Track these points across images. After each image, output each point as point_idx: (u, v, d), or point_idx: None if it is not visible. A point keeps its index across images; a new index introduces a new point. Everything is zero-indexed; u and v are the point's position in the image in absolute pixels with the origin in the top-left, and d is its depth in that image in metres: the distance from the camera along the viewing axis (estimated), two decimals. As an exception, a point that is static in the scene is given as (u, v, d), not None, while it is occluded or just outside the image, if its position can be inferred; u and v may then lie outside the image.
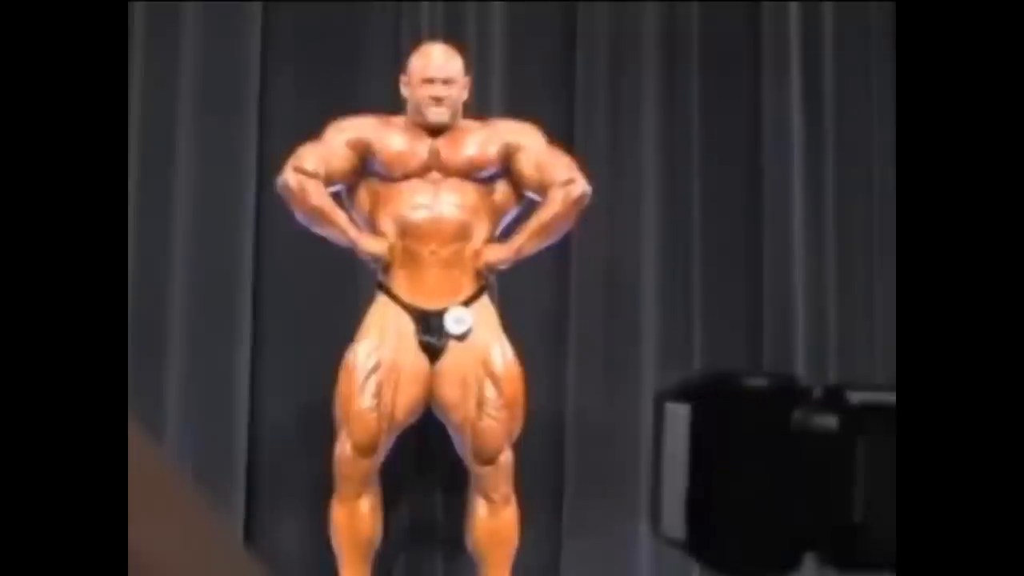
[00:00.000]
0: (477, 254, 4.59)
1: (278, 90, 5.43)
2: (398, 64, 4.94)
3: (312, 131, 5.35)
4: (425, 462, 5.19)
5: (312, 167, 4.60)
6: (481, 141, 4.66)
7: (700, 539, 0.80)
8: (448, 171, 4.61)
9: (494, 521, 4.60)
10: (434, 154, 4.62)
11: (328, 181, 4.63)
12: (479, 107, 5.35)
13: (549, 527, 5.26)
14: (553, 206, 4.61)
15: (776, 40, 5.66)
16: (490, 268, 4.62)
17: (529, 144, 4.66)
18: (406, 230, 4.58)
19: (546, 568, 5.27)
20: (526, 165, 4.63)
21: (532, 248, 4.65)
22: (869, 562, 0.80)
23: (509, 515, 4.61)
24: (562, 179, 4.62)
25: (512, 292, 5.08)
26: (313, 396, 5.17)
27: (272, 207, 5.33)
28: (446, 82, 4.62)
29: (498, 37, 5.51)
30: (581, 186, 4.64)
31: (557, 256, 5.28)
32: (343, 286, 5.12)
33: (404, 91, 4.70)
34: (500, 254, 4.62)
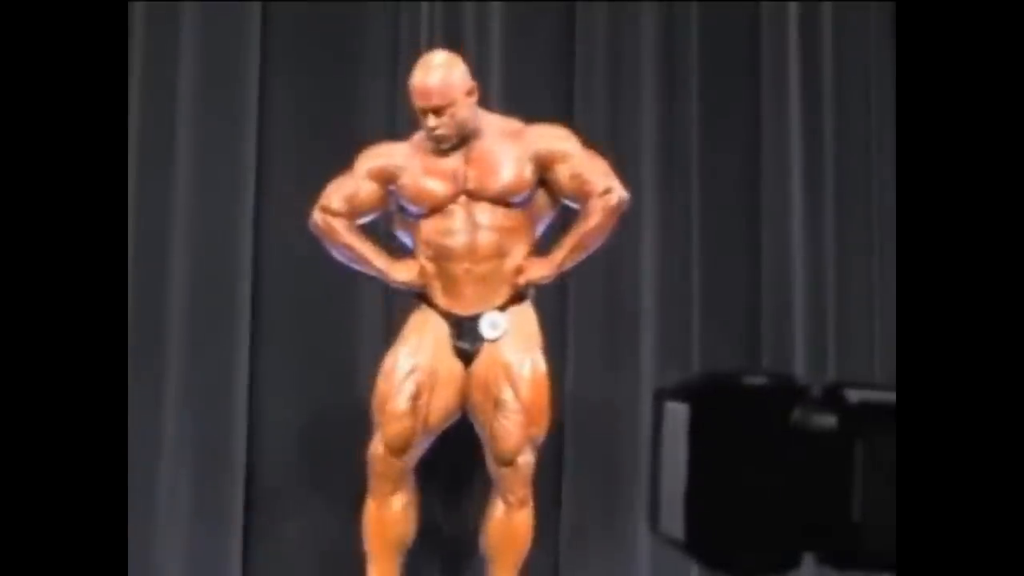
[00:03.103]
0: (519, 270, 4.53)
1: (277, 90, 5.43)
2: (397, 64, 4.94)
3: (310, 131, 5.36)
4: (425, 462, 5.20)
5: (337, 205, 4.59)
6: (515, 161, 4.53)
7: (699, 538, 0.81)
8: (480, 197, 4.54)
9: (507, 523, 4.60)
10: (462, 180, 4.52)
11: (357, 214, 4.61)
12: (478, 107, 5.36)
13: (549, 527, 5.26)
14: (593, 218, 4.53)
15: (775, 40, 5.66)
16: (533, 284, 4.57)
17: (565, 152, 4.56)
18: (440, 253, 4.55)
19: (546, 568, 5.27)
20: (563, 176, 4.54)
21: (573, 261, 4.59)
22: (868, 561, 0.80)
23: (523, 518, 4.61)
24: (600, 189, 4.54)
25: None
26: (313, 396, 5.17)
27: (271, 207, 5.34)
28: (438, 112, 4.46)
29: (497, 37, 5.51)
30: (619, 193, 4.57)
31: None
32: (342, 286, 5.12)
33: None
34: (542, 271, 4.55)
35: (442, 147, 4.50)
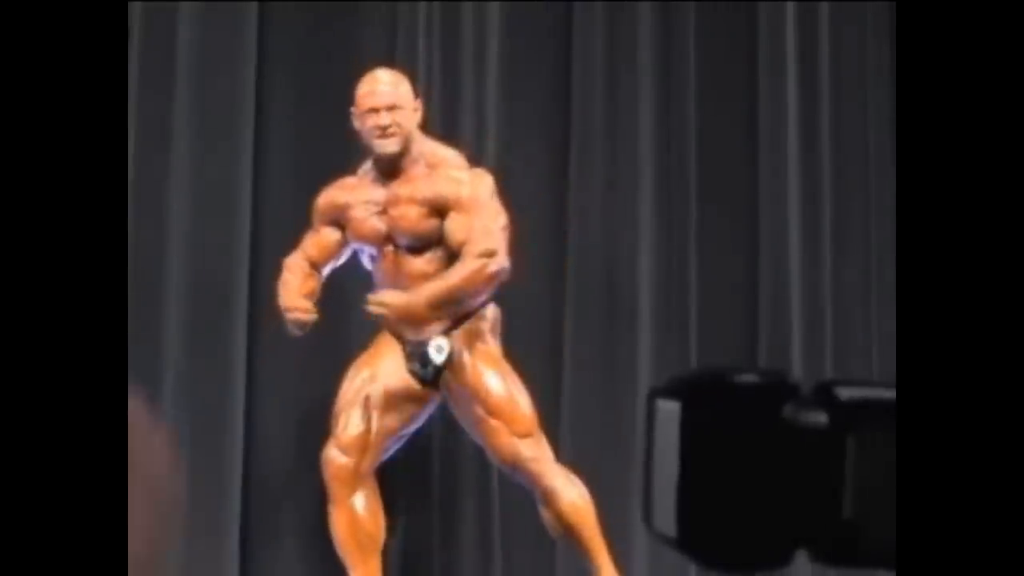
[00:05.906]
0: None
1: (274, 90, 5.43)
2: (395, 66, 4.93)
3: (308, 132, 5.35)
4: (423, 462, 5.20)
5: (298, 259, 4.69)
6: (418, 206, 4.49)
7: (691, 535, 0.81)
8: (396, 243, 4.55)
9: (555, 513, 4.57)
10: (384, 221, 4.56)
11: (323, 264, 4.70)
12: (476, 107, 5.35)
13: (546, 527, 5.26)
14: (461, 273, 4.42)
15: (773, 40, 5.66)
16: (377, 305, 4.43)
17: (462, 203, 4.46)
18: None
19: (544, 567, 5.27)
20: (453, 227, 4.46)
21: (434, 308, 4.43)
22: (860, 558, 0.80)
23: (566, 502, 4.55)
24: (481, 249, 4.42)
25: (509, 293, 5.08)
26: (310, 397, 5.17)
27: (269, 207, 5.34)
28: (391, 108, 4.49)
29: (495, 38, 5.51)
30: (499, 263, 4.45)
31: (554, 256, 5.30)
32: (340, 288, 5.12)
33: (356, 123, 4.61)
34: (394, 299, 4.43)
35: (388, 150, 4.51)
